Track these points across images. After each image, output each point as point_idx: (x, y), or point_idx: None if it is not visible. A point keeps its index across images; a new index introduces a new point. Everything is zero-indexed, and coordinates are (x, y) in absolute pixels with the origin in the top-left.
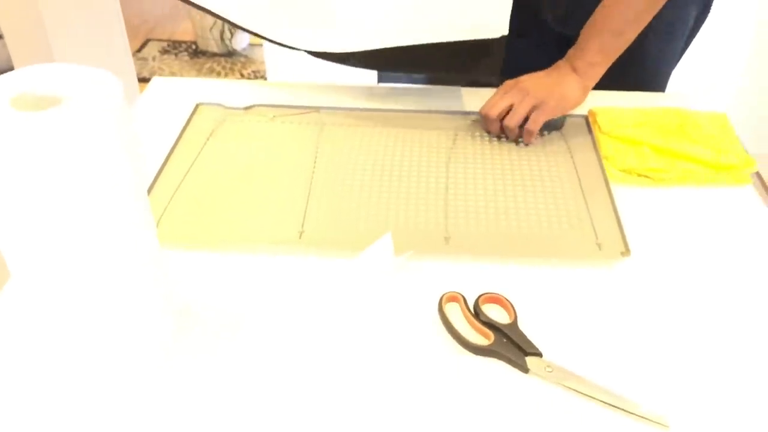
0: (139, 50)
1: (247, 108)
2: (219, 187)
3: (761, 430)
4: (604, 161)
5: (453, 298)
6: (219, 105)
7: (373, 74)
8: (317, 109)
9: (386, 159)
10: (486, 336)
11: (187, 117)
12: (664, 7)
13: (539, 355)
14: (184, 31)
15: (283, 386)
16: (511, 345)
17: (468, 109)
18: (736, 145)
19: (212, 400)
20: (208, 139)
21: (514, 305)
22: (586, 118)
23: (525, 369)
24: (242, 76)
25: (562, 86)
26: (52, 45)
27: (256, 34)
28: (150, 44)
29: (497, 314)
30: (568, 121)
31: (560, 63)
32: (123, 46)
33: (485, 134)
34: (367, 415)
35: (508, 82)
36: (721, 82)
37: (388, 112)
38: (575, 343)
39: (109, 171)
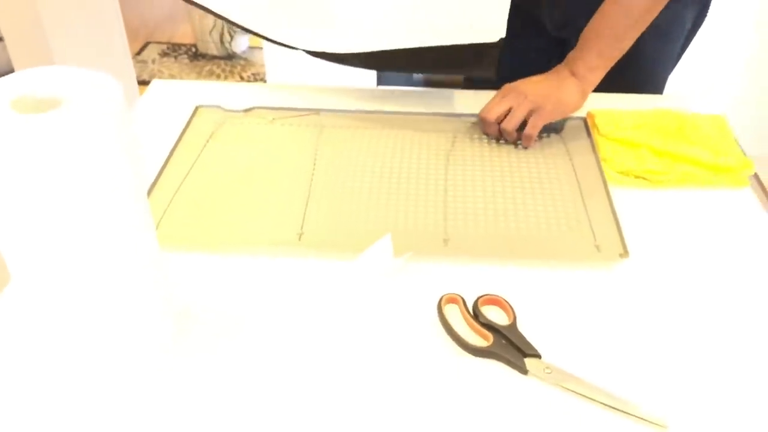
0: (138, 53)
1: (246, 110)
2: (218, 189)
3: (760, 430)
4: (602, 163)
5: (452, 299)
6: (218, 107)
7: (372, 76)
8: (317, 111)
9: (385, 161)
10: (485, 337)
11: (187, 119)
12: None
13: (538, 356)
14: (183, 34)
15: (283, 387)
16: (510, 346)
17: (467, 111)
18: (734, 147)
19: (212, 401)
20: (207, 142)
21: (513, 307)
22: (584, 120)
23: (524, 370)
24: (242, 78)
25: (561, 90)
26: (51, 47)
27: (255, 33)
28: (149, 47)
29: (496, 316)
30: (567, 123)
31: (559, 67)
32: (123, 49)
33: (484, 136)
34: (367, 416)
35: (507, 86)
36: (719, 84)
37: (387, 114)
38: (574, 344)
39: (108, 173)
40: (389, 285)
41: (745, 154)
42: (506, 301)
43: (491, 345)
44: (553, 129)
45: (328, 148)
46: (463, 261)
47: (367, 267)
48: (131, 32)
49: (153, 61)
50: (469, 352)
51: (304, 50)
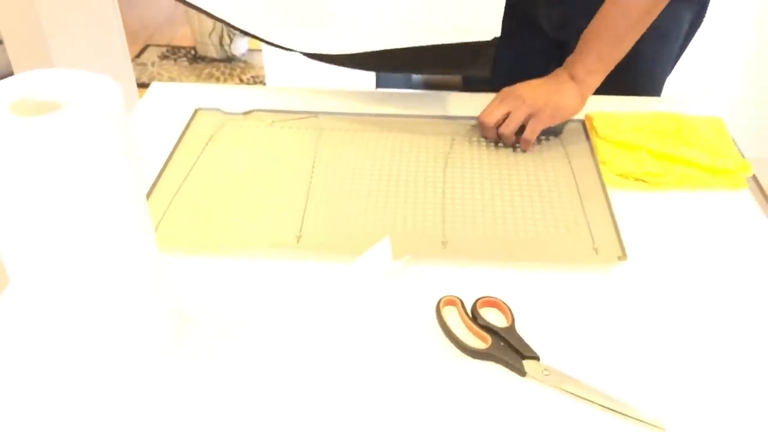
0: (138, 55)
1: (245, 113)
2: (217, 191)
3: None
4: (601, 166)
5: (451, 301)
6: (218, 110)
7: (371, 79)
8: (316, 114)
9: (384, 164)
10: (483, 339)
11: (186, 122)
12: None
13: (536, 358)
14: (183, 37)
15: (283, 389)
16: (509, 348)
17: (466, 114)
18: (732, 149)
19: (211, 403)
20: (207, 144)
21: (511, 309)
22: (583, 123)
23: (522, 372)
24: (241, 81)
25: (559, 94)
26: (51, 50)
27: (251, 35)
28: (149, 49)
29: (495, 318)
30: (566, 126)
31: (558, 71)
32: (122, 52)
33: (483, 139)
34: (366, 418)
35: (506, 90)
36: (717, 86)
37: (386, 117)
38: (572, 346)
39: (108, 176)
40: (388, 287)
41: (743, 156)
42: (505, 303)
43: (490, 347)
44: (552, 132)
45: (327, 150)
46: (462, 263)
47: (365, 269)
48: (131, 35)
49: (152, 64)
50: (468, 354)
51: (300, 52)
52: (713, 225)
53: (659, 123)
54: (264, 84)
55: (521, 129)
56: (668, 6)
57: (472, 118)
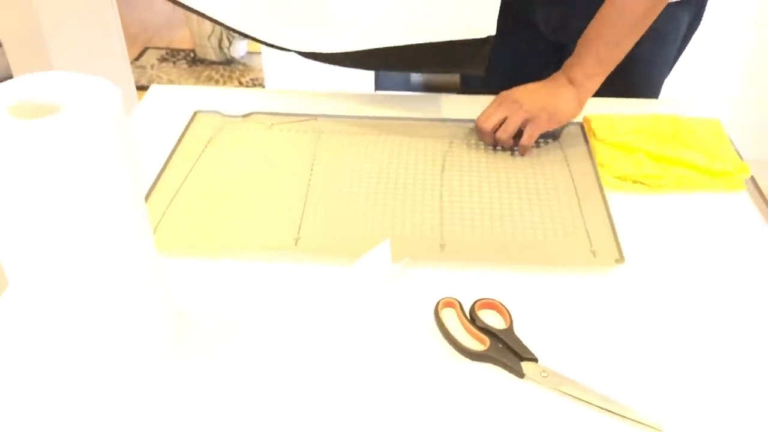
0: (137, 58)
1: (245, 116)
2: (216, 194)
3: None
4: (599, 168)
5: (449, 303)
6: (217, 113)
7: (370, 82)
8: (315, 116)
9: (382, 166)
10: (482, 341)
11: (185, 125)
12: None
13: (535, 360)
14: (182, 39)
15: (281, 391)
16: (507, 350)
17: (464, 116)
18: (729, 151)
19: (210, 405)
20: (206, 147)
21: (509, 311)
22: (581, 125)
23: (521, 374)
24: (240, 84)
25: (557, 99)
26: (50, 53)
27: (247, 36)
28: (148, 52)
29: (493, 320)
30: (565, 129)
31: (556, 75)
32: (121, 54)
33: (481, 142)
34: (365, 420)
35: (503, 94)
36: (715, 88)
37: (385, 119)
38: (571, 348)
39: (106, 179)
40: (386, 290)
41: (741, 157)
42: (503, 305)
43: (488, 349)
44: (550, 135)
45: (325, 153)
46: (460, 266)
47: (364, 272)
48: (130, 37)
49: (152, 67)
50: (466, 356)
51: (296, 51)
52: (711, 227)
53: (657, 125)
54: (263, 86)
55: (519, 133)
56: (666, 8)
57: (470, 120)
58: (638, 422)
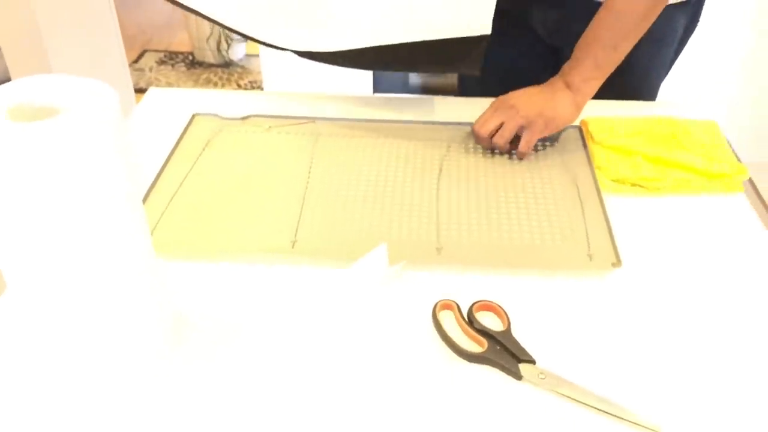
0: (136, 61)
1: (243, 118)
2: (214, 196)
3: None
4: (597, 171)
5: (447, 305)
6: (215, 115)
7: (368, 84)
8: (313, 119)
9: (380, 169)
10: (480, 343)
11: (184, 127)
12: None
13: (532, 362)
14: (180, 42)
15: (279, 393)
16: (505, 352)
17: (462, 119)
18: (727, 153)
19: (208, 408)
20: (204, 149)
21: (507, 313)
22: (579, 128)
23: (518, 376)
24: (239, 86)
25: (554, 104)
26: (49, 56)
27: (242, 35)
28: (147, 55)
29: (491, 322)
30: (563, 133)
31: (554, 79)
32: (120, 57)
33: (478, 145)
34: (363, 423)
35: (500, 98)
36: (713, 91)
37: (382, 122)
38: (568, 350)
39: (103, 181)
40: (384, 292)
41: (738, 159)
42: (501, 307)
43: (486, 351)
44: (548, 139)
45: (323, 156)
46: (457, 269)
47: (361, 275)
48: (128, 40)
49: (150, 69)
50: (464, 358)
51: (292, 51)
52: (709, 229)
53: (655, 127)
54: (261, 89)
55: (516, 137)
56: (663, 10)
57: (467, 123)
58: (636, 424)
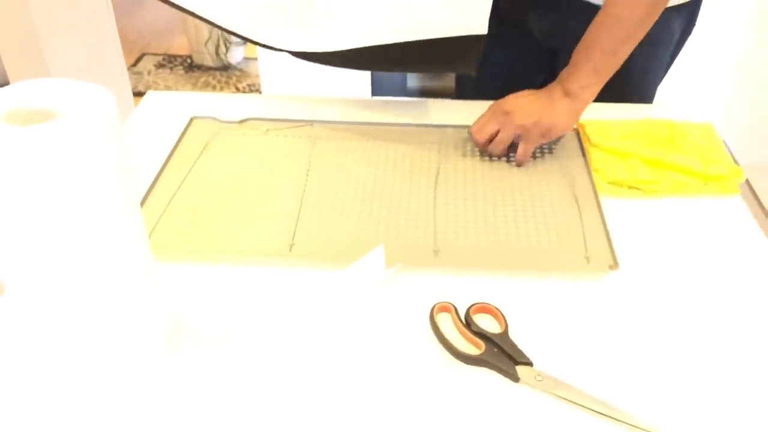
0: (134, 64)
1: (241, 121)
2: (212, 199)
3: None
4: (594, 173)
5: (444, 308)
6: (213, 118)
7: (367, 87)
8: (310, 122)
9: (378, 172)
10: (477, 345)
11: (182, 130)
12: None
13: (530, 364)
14: (179, 46)
15: (277, 396)
16: (502, 354)
17: (460, 122)
18: (723, 155)
19: (205, 411)
20: (201, 152)
21: (504, 315)
22: (576, 131)
23: (515, 378)
24: (237, 89)
25: (551, 111)
26: (47, 59)
27: (237, 35)
28: (145, 58)
29: (488, 324)
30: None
31: (552, 86)
32: (118, 61)
33: (476, 149)
34: (360, 425)
35: (497, 103)
36: (709, 92)
37: (381, 125)
38: (565, 352)
39: (100, 185)
40: (381, 295)
41: (736, 162)
42: (498, 309)
43: (483, 353)
44: (546, 145)
45: (321, 159)
46: (454, 271)
47: (359, 277)
48: (127, 44)
49: (149, 73)
50: (461, 360)
51: (288, 51)
52: (705, 231)
53: (651, 130)
54: (260, 92)
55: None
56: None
57: (465, 126)
58: (633, 426)
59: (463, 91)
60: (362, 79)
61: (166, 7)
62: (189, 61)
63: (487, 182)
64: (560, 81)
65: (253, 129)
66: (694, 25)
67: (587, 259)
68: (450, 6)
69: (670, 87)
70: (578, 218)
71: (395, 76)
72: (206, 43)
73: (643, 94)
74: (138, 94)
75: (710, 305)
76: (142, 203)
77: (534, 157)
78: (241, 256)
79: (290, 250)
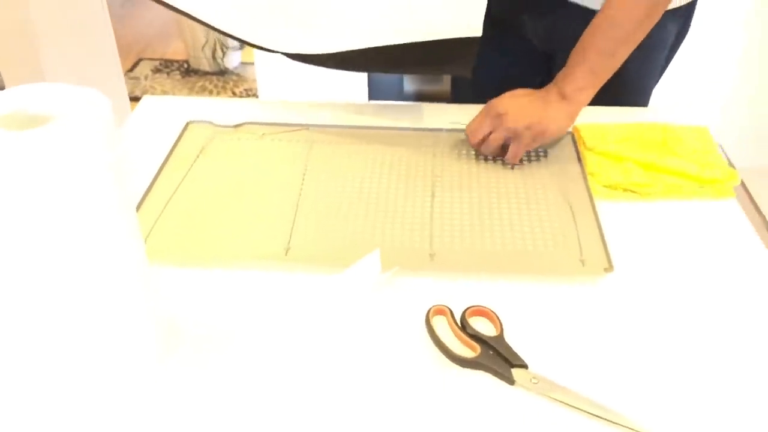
0: (131, 69)
1: (237, 126)
2: (208, 203)
3: None
4: (588, 177)
5: (440, 311)
6: (209, 123)
7: (363, 92)
8: (306, 126)
9: (373, 176)
10: (472, 348)
11: (178, 135)
12: None
13: (525, 367)
14: (176, 50)
15: (272, 400)
16: (498, 357)
17: (456, 126)
18: (718, 158)
19: (200, 416)
20: (197, 157)
21: (500, 318)
22: (572, 134)
23: (511, 381)
24: (234, 94)
25: (546, 114)
26: (43, 64)
27: (232, 36)
28: (142, 63)
29: (484, 327)
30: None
31: (548, 88)
32: (115, 65)
33: (471, 152)
34: (356, 428)
35: (491, 102)
36: (704, 96)
37: (377, 129)
38: (561, 355)
39: (95, 189)
40: (377, 298)
41: (731, 164)
42: (493, 312)
43: (479, 356)
44: (541, 148)
45: (317, 163)
46: (450, 275)
47: (354, 281)
48: (124, 49)
49: (145, 78)
50: (457, 363)
51: (282, 53)
52: (700, 235)
53: (646, 133)
54: (257, 97)
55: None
56: None
57: (460, 130)
58: (629, 428)
59: (458, 95)
60: (359, 83)
61: (163, 11)
62: (186, 65)
63: (483, 186)
64: (556, 83)
65: (248, 133)
66: (689, 28)
67: (582, 262)
68: (445, 8)
69: (665, 90)
70: (573, 221)
71: (392, 80)
72: (203, 48)
73: (638, 98)
74: (135, 99)
75: (705, 308)
76: (138, 207)
77: (529, 160)
78: (237, 260)
79: (286, 254)
